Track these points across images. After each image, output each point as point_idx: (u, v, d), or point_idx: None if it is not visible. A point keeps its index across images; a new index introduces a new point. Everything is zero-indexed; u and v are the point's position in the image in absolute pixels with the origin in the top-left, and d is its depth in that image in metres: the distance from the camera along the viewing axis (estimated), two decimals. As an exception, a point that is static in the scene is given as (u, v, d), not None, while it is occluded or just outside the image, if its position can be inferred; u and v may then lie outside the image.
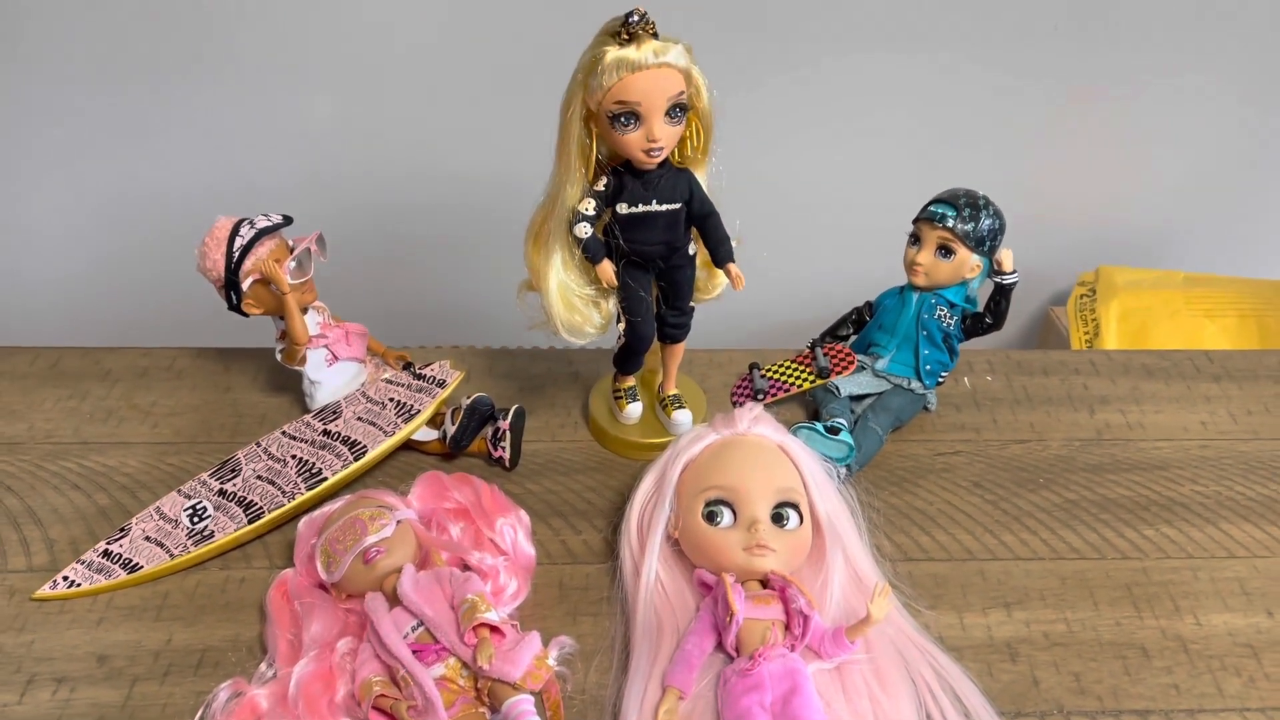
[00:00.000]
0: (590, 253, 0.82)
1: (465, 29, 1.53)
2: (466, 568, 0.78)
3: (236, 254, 0.87)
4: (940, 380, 1.00)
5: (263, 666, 0.75)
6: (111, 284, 1.70)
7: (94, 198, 1.63)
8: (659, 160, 0.79)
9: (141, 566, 0.82)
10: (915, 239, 0.96)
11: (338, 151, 1.61)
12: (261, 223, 0.88)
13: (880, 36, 1.57)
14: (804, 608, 0.73)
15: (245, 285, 0.88)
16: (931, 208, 0.95)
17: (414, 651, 0.71)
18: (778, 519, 0.78)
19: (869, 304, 1.03)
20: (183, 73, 1.52)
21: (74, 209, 1.65)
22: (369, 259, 1.61)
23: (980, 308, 0.97)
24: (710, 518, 0.78)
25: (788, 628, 0.74)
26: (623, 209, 0.82)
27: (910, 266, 0.96)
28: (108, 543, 0.84)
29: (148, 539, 0.84)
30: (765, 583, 0.76)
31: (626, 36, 0.74)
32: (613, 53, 0.74)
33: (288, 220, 0.91)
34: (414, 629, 0.72)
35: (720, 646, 0.74)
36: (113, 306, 1.70)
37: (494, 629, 0.71)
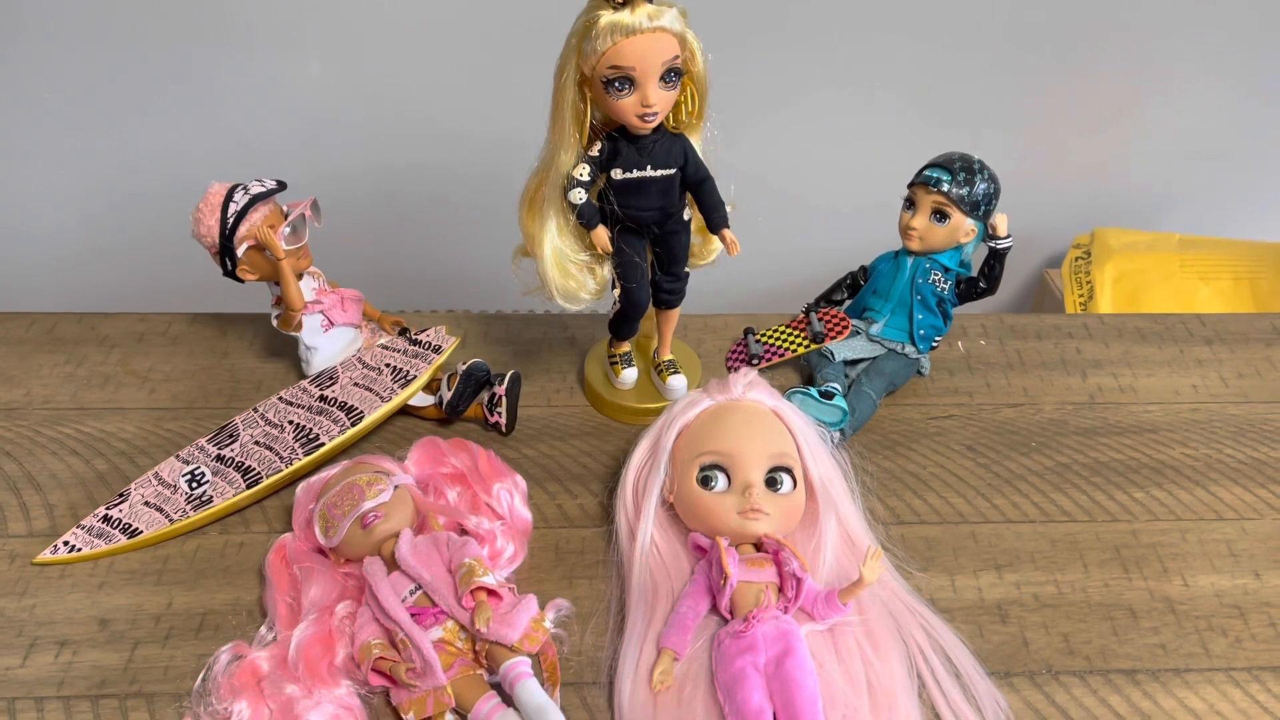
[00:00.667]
0: (585, 218, 0.82)
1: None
2: (464, 532, 0.79)
3: (231, 220, 0.87)
4: (934, 345, 1.00)
5: (263, 630, 0.75)
6: (106, 248, 1.70)
7: (88, 162, 1.62)
8: (654, 125, 0.79)
9: (141, 531, 0.82)
10: (910, 203, 0.96)
11: (333, 114, 1.60)
12: (255, 188, 0.88)
13: (874, 5, 1.56)
14: (797, 570, 0.74)
15: (240, 251, 0.88)
16: (926, 172, 0.95)
17: (412, 615, 0.72)
18: (771, 483, 0.78)
19: (863, 268, 1.04)
20: (177, 36, 1.50)
21: (68, 174, 1.64)
22: (364, 222, 1.60)
23: (974, 272, 0.98)
24: (705, 482, 0.79)
25: (781, 590, 0.75)
26: (617, 174, 0.81)
27: (905, 231, 0.96)
28: (107, 508, 0.84)
29: (147, 504, 0.84)
30: (759, 546, 0.77)
31: (621, 1, 0.73)
32: (607, 17, 0.74)
33: (282, 185, 0.90)
34: (412, 593, 0.73)
35: (714, 609, 0.75)
36: (108, 271, 1.70)
37: (491, 592, 0.72)
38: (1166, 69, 1.68)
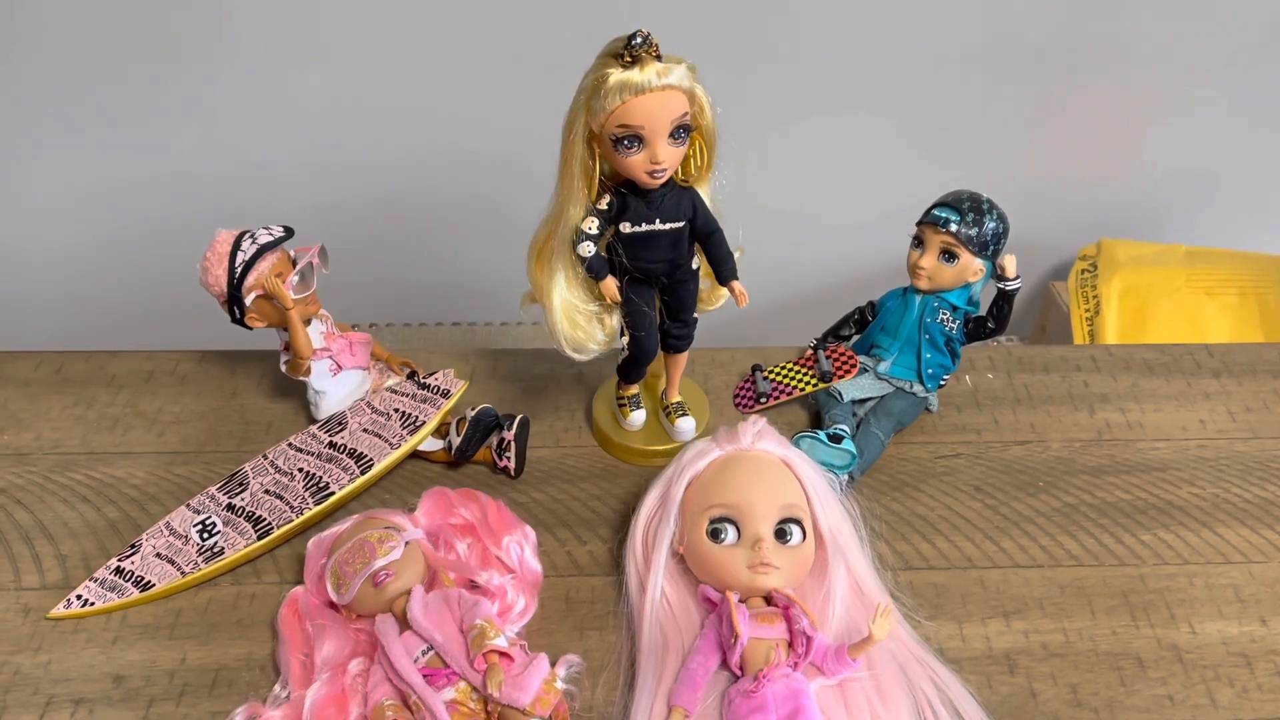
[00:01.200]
0: (594, 271, 0.82)
1: (463, 4, 1.50)
2: (474, 587, 0.80)
3: (239, 270, 0.87)
4: (942, 383, 1.00)
5: (276, 688, 0.76)
6: (110, 272, 1.70)
7: (92, 183, 1.62)
8: (662, 180, 0.79)
9: (154, 584, 0.83)
10: (918, 242, 0.96)
11: (337, 131, 1.60)
12: (263, 237, 0.88)
13: (883, 12, 1.55)
14: (807, 629, 0.74)
15: (248, 300, 0.88)
16: (935, 211, 0.94)
17: (425, 676, 0.72)
18: (781, 535, 0.79)
19: (871, 304, 1.04)
20: (179, 57, 1.50)
21: (72, 193, 1.64)
22: (368, 237, 1.60)
23: (982, 310, 0.98)
24: (714, 535, 0.79)
25: (791, 646, 0.75)
26: (626, 228, 0.81)
27: (913, 270, 0.96)
28: (119, 560, 0.85)
29: (159, 555, 0.85)
30: (769, 599, 0.78)
31: (630, 59, 0.73)
32: (615, 75, 0.73)
33: (289, 233, 0.90)
34: (424, 653, 0.73)
35: (724, 664, 0.76)
36: (113, 296, 1.70)
37: (503, 654, 0.72)
38: (1172, 81, 1.67)
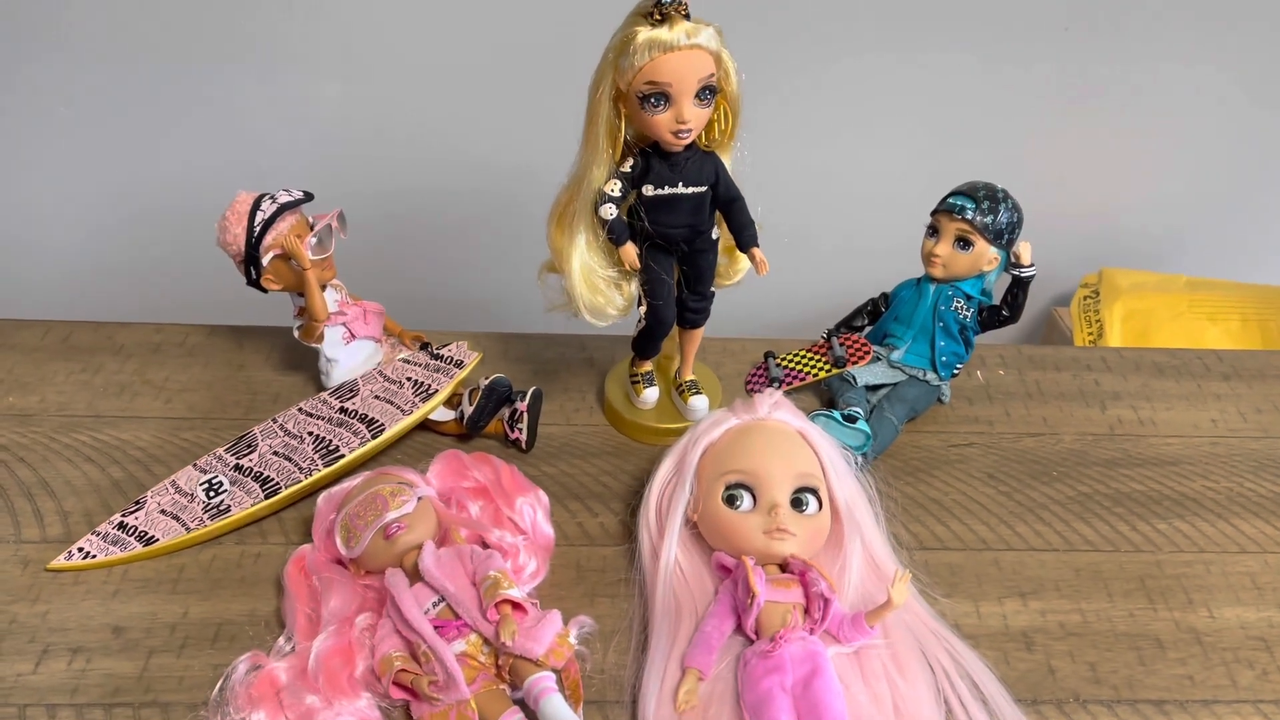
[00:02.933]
0: (615, 234, 0.82)
1: (484, 12, 1.52)
2: (485, 545, 0.78)
3: (258, 228, 0.87)
4: (955, 372, 1.00)
5: (280, 641, 0.74)
6: (122, 262, 1.69)
7: (106, 176, 1.62)
8: (687, 142, 0.79)
9: (157, 539, 0.81)
10: (933, 231, 0.96)
11: (352, 135, 1.60)
12: (283, 198, 0.88)
13: (893, 36, 1.57)
14: (825, 591, 0.73)
15: (265, 260, 0.88)
16: (950, 199, 0.95)
17: (435, 627, 0.70)
18: (797, 504, 0.78)
19: (884, 295, 1.04)
20: (199, 51, 1.51)
21: (86, 187, 1.63)
22: (381, 243, 1.60)
23: (995, 301, 0.98)
24: (730, 501, 0.78)
25: (807, 612, 0.74)
26: (649, 191, 0.81)
27: (928, 258, 0.97)
28: (123, 515, 0.83)
29: (163, 512, 0.83)
30: (784, 567, 0.76)
31: (659, 17, 0.74)
32: (644, 33, 0.74)
33: (309, 196, 0.90)
34: (435, 605, 0.72)
35: (739, 629, 0.74)
36: (123, 284, 1.69)
37: (516, 605, 0.71)
38: (1175, 110, 1.69)
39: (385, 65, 1.56)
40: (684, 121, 0.77)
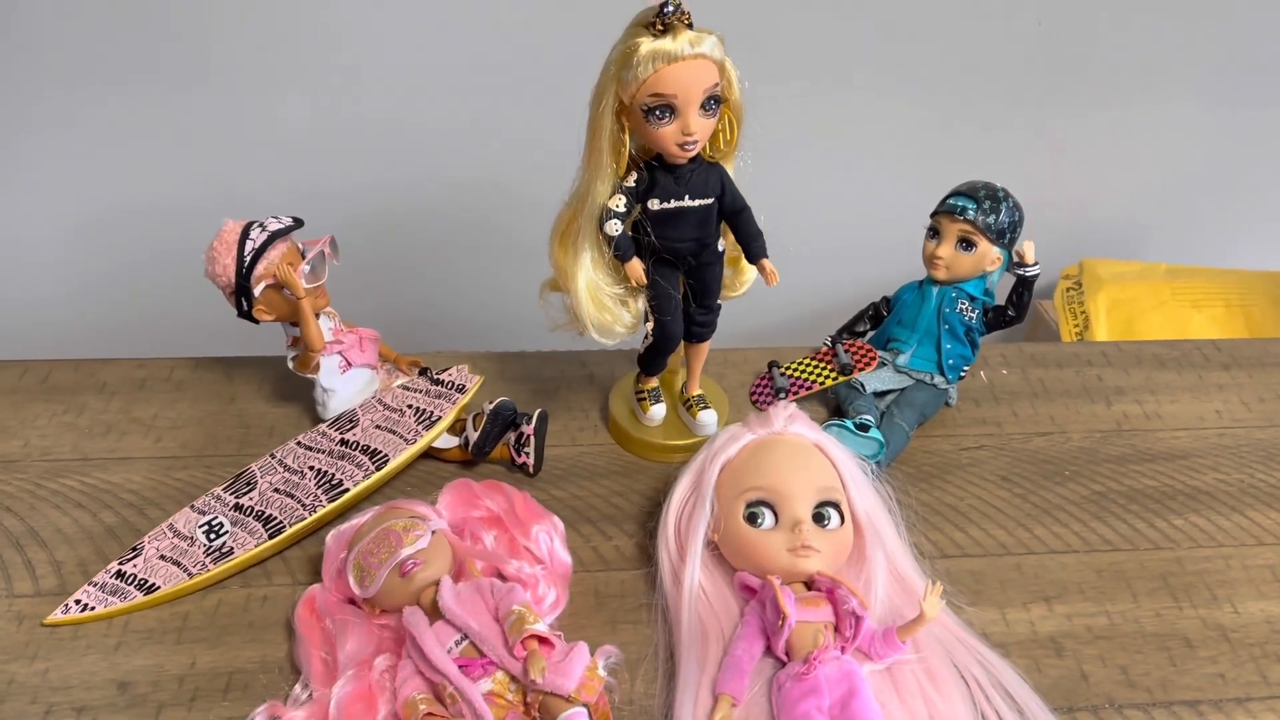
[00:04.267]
0: (621, 250, 0.80)
1: (476, 25, 1.49)
2: (503, 577, 0.76)
3: (248, 258, 0.84)
4: (963, 374, 0.99)
5: (297, 689, 0.71)
6: (98, 295, 1.64)
7: (79, 207, 1.58)
8: (692, 154, 0.77)
9: (159, 587, 0.78)
10: (934, 232, 0.95)
11: (333, 158, 1.57)
12: (273, 225, 0.85)
13: (880, 42, 1.57)
14: (856, 608, 0.71)
15: (257, 291, 0.85)
16: (951, 200, 0.94)
17: (460, 666, 0.68)
18: (819, 519, 0.76)
19: (885, 299, 1.02)
20: (173, 80, 1.47)
21: (55, 219, 1.59)
22: (369, 267, 1.57)
23: (997, 300, 0.97)
24: (751, 519, 0.76)
25: (838, 630, 0.72)
26: (654, 205, 0.79)
27: (930, 260, 0.95)
28: (120, 563, 0.80)
29: (163, 558, 0.80)
30: (810, 584, 0.75)
31: (661, 27, 0.72)
32: (647, 44, 0.72)
33: (299, 223, 0.87)
34: (458, 643, 0.69)
35: (769, 651, 0.73)
36: (99, 318, 1.64)
37: (543, 640, 0.69)
38: (1149, 102, 1.70)
39: (368, 81, 1.52)
40: (690, 133, 0.75)
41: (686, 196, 0.80)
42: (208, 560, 0.79)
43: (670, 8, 0.72)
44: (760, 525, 0.76)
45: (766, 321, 1.53)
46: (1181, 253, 1.84)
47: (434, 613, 0.71)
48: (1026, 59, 1.64)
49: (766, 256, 0.83)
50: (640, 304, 0.85)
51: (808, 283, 1.62)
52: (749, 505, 0.77)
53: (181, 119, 1.50)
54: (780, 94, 1.57)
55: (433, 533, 0.75)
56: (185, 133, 1.51)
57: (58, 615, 0.76)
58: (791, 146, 1.62)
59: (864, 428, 0.91)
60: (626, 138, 0.77)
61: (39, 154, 1.52)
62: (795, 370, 1.01)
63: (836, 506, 0.77)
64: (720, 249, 0.85)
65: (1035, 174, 1.77)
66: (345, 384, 0.91)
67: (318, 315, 0.89)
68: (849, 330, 1.04)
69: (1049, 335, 1.73)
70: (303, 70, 1.49)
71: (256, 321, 0.88)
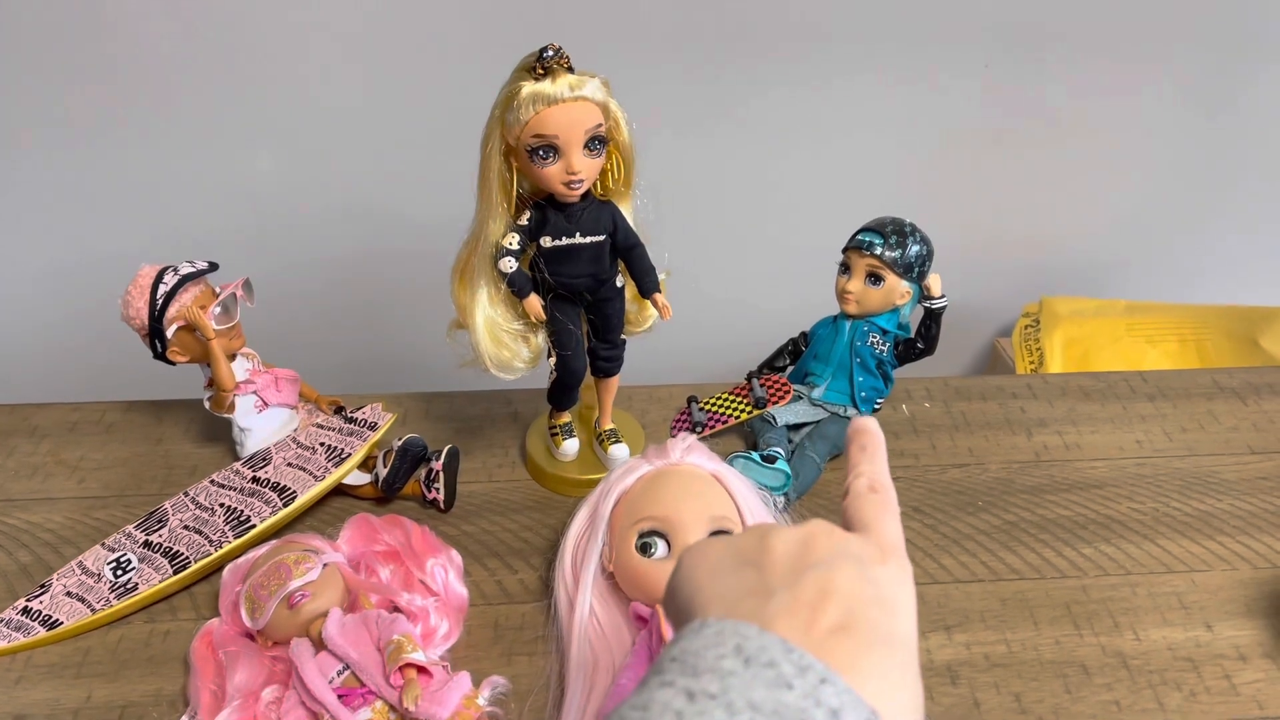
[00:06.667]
0: (516, 287, 0.82)
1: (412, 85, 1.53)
2: (396, 610, 0.77)
3: (160, 301, 0.86)
4: (877, 407, 1.00)
5: (184, 719, 0.72)
6: (38, 342, 1.68)
7: (21, 256, 1.61)
8: (580, 192, 0.79)
9: (62, 623, 0.79)
10: (845, 268, 0.97)
11: (258, 206, 1.60)
12: (185, 269, 0.88)
13: (818, 68, 1.59)
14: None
15: (169, 332, 0.87)
16: (859, 236, 0.96)
17: (340, 696, 0.69)
18: (712, 548, 0.77)
19: (804, 334, 1.04)
20: (109, 127, 1.51)
21: (16, 264, 1.63)
22: (305, 312, 1.60)
23: (912, 334, 0.98)
24: (644, 549, 0.77)
25: (723, 658, 0.72)
26: (546, 242, 0.82)
27: (841, 295, 0.97)
28: (28, 600, 0.81)
29: (69, 594, 0.81)
30: (701, 613, 0.75)
31: (541, 71, 0.75)
32: (528, 87, 0.75)
33: (214, 266, 0.90)
34: (339, 673, 0.70)
35: (656, 680, 0.73)
36: (39, 364, 1.67)
37: (421, 669, 0.69)
38: (1108, 140, 1.72)
39: (313, 142, 1.56)
40: (574, 172, 0.77)
41: (578, 234, 0.82)
42: (112, 596, 0.81)
43: (550, 53, 0.74)
44: (653, 555, 0.77)
45: (696, 359, 1.54)
46: (1148, 289, 1.85)
47: (321, 644, 0.72)
48: (983, 97, 1.67)
49: (659, 291, 0.85)
50: (540, 339, 0.87)
51: (735, 318, 1.64)
52: (641, 535, 0.77)
53: (114, 169, 1.53)
54: (707, 128, 1.60)
55: (324, 565, 0.76)
56: (119, 182, 1.55)
57: (-40, 651, 0.78)
58: (728, 180, 1.65)
59: (770, 459, 0.91)
60: (514, 177, 0.80)
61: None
62: (712, 405, 1.02)
63: (730, 535, 0.78)
64: (619, 285, 0.87)
65: (998, 212, 1.80)
66: (262, 423, 0.93)
67: (233, 356, 0.91)
68: (769, 365, 1.05)
69: (1006, 373, 1.73)
70: (256, 131, 1.53)
71: (172, 363, 0.90)
